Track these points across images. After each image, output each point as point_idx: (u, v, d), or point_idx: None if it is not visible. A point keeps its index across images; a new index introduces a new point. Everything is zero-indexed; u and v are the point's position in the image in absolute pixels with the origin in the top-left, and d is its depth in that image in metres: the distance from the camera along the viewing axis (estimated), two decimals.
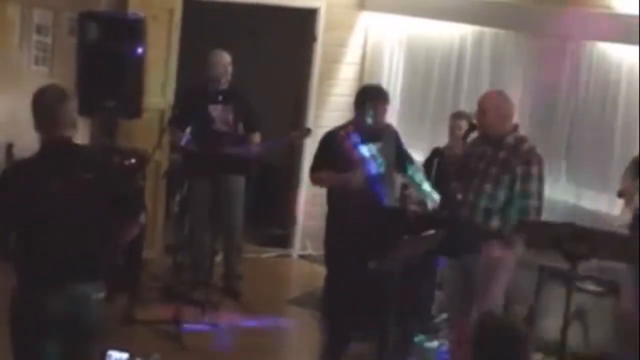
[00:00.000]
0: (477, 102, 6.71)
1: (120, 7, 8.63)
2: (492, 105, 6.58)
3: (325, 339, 7.13)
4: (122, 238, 5.20)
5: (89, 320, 4.99)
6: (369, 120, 6.96)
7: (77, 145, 5.09)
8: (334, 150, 7.03)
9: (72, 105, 5.00)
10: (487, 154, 6.60)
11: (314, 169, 7.31)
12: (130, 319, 7.55)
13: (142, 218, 5.19)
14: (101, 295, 5.03)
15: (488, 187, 6.56)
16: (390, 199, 7.22)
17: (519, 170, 6.47)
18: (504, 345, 3.88)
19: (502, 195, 6.53)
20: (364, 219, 6.85)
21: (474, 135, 6.85)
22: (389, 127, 7.35)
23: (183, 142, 7.99)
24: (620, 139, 7.66)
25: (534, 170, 6.49)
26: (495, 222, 6.52)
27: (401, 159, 7.33)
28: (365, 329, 7.12)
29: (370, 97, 7.09)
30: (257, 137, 8.17)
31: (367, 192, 6.95)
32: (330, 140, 7.15)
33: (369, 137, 7.04)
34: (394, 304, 6.75)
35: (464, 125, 7.83)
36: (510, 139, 6.57)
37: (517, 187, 6.47)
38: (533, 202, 6.47)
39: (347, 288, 6.91)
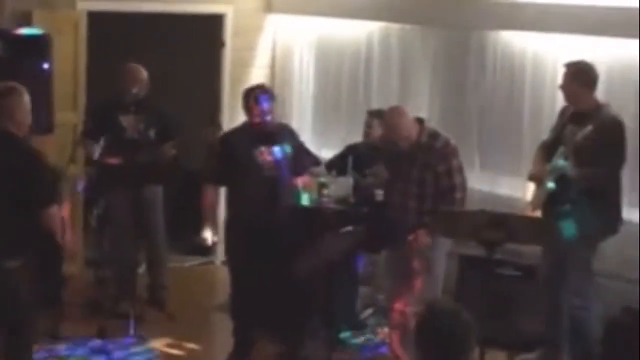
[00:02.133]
0: (384, 119, 6.98)
1: (24, 23, 8.53)
2: (396, 121, 6.80)
3: (234, 340, 7.17)
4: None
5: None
6: (258, 119, 6.96)
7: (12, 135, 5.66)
8: (233, 153, 7.03)
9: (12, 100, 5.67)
10: (404, 156, 6.76)
11: (211, 175, 7.27)
12: (55, 335, 7.48)
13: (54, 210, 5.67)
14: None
15: (414, 188, 6.77)
16: (288, 200, 7.18)
17: (441, 168, 6.71)
18: (449, 332, 3.91)
19: (429, 194, 6.75)
20: (264, 220, 6.88)
21: None
22: (285, 127, 7.35)
23: (96, 155, 7.93)
24: (529, 124, 7.82)
25: (454, 163, 6.75)
26: (427, 219, 6.70)
27: (298, 160, 7.25)
28: (274, 329, 7.15)
29: (254, 97, 7.08)
30: (170, 144, 8.12)
31: (266, 194, 6.96)
32: (228, 142, 7.15)
33: (264, 138, 7.05)
34: (317, 302, 6.83)
35: (376, 124, 7.97)
36: (423, 139, 6.77)
37: (443, 183, 6.71)
38: (459, 195, 6.73)
39: (251, 289, 6.94)
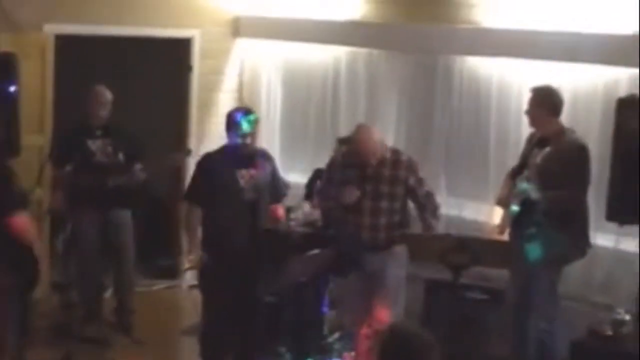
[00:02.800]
0: (352, 136, 7.04)
1: None
2: (365, 137, 6.90)
3: None
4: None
5: None
6: (239, 141, 6.97)
7: None
8: (213, 174, 7.03)
9: None
10: (370, 174, 6.82)
11: (189, 194, 7.26)
12: None
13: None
14: None
15: (384, 204, 6.87)
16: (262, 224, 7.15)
17: (411, 180, 6.89)
18: (411, 352, 3.94)
19: (398, 210, 6.87)
20: (241, 243, 6.89)
21: None
22: (264, 153, 7.35)
23: (65, 178, 7.93)
24: (495, 148, 7.88)
25: (420, 174, 6.97)
26: (397, 234, 6.86)
27: (276, 186, 7.25)
28: (241, 352, 7.12)
29: (234, 119, 7.07)
30: (138, 167, 8.10)
31: (244, 216, 6.96)
32: (209, 163, 7.15)
33: (244, 161, 7.07)
34: (284, 325, 6.83)
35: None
36: (388, 155, 6.87)
37: (419, 192, 6.90)
38: (437, 200, 7.02)
39: (223, 312, 6.93)
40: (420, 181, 6.97)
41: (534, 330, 6.79)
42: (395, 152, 7.05)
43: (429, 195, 7.00)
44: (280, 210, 7.31)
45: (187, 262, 7.34)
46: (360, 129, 7.05)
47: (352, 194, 6.91)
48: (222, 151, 7.13)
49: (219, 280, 6.90)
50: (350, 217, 6.99)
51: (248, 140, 6.94)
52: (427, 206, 6.98)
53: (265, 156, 7.23)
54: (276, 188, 7.22)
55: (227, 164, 6.96)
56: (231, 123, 6.96)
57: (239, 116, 6.95)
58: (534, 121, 6.87)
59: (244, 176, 6.95)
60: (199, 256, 6.98)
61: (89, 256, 8.22)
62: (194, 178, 7.18)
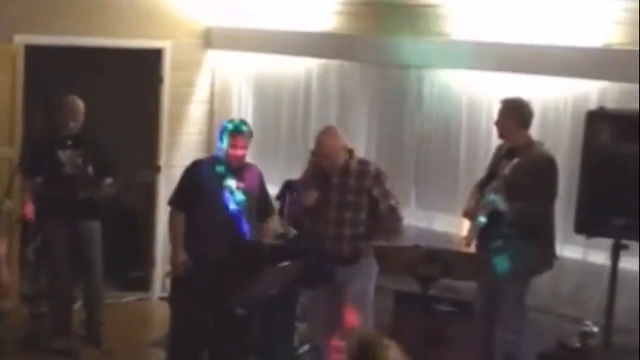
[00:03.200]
0: (316, 139, 6.99)
1: None
2: (326, 139, 6.89)
3: None
4: None
5: None
6: (223, 152, 6.97)
7: None
8: (200, 182, 7.01)
9: None
10: (336, 183, 6.80)
11: (175, 200, 7.25)
12: None
13: None
14: None
15: (348, 214, 6.83)
16: (252, 235, 7.16)
17: (376, 191, 6.81)
18: None
19: (362, 221, 6.83)
20: (220, 253, 6.87)
21: None
22: (251, 167, 7.31)
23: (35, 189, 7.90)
24: (465, 160, 7.89)
25: (388, 186, 6.89)
26: (363, 245, 6.82)
27: (262, 205, 7.25)
28: None
29: (228, 129, 7.09)
30: (108, 181, 8.07)
31: (227, 227, 6.95)
32: (196, 171, 7.13)
33: (233, 173, 7.03)
34: (254, 337, 6.79)
35: None
36: (354, 165, 6.85)
37: (382, 205, 6.80)
38: (401, 214, 6.90)
39: (192, 324, 6.90)
40: (385, 193, 6.87)
41: (501, 342, 6.81)
42: (363, 162, 7.00)
43: (392, 210, 6.87)
44: (268, 231, 7.28)
45: (170, 266, 7.27)
46: (324, 130, 7.02)
47: (311, 196, 6.86)
48: (212, 160, 7.12)
49: (194, 289, 6.86)
50: (316, 228, 6.98)
51: (239, 153, 6.94)
52: (387, 220, 6.87)
53: (256, 171, 7.23)
54: (265, 204, 7.21)
55: (215, 173, 6.95)
56: (223, 133, 6.96)
57: (231, 126, 6.96)
58: (502, 132, 6.90)
59: (232, 187, 6.94)
60: (182, 261, 6.95)
61: (58, 268, 8.18)
62: (181, 184, 7.16)
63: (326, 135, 6.94)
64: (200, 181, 6.99)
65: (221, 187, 6.93)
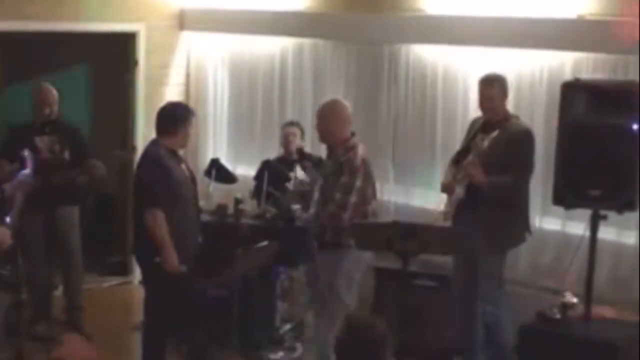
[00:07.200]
0: (317, 112, 6.88)
1: None
2: (322, 114, 6.77)
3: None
4: None
5: None
6: None
7: None
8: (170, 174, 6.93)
9: None
10: (326, 164, 6.75)
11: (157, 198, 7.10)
12: None
13: None
14: None
15: (329, 197, 6.65)
16: None
17: (342, 178, 6.58)
18: (366, 343, 4.02)
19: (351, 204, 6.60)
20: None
21: None
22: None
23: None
24: (442, 136, 7.89)
25: (350, 180, 6.57)
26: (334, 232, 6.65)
27: None
28: (190, 345, 7.05)
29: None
30: (97, 163, 8.01)
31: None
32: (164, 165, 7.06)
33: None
34: (234, 318, 6.78)
35: (297, 131, 8.07)
36: (348, 144, 6.67)
37: (368, 192, 6.62)
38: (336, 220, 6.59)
39: (169, 306, 6.84)
40: (341, 185, 6.54)
41: (480, 315, 6.82)
42: (363, 159, 6.67)
43: (331, 215, 6.57)
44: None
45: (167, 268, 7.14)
46: (323, 104, 6.90)
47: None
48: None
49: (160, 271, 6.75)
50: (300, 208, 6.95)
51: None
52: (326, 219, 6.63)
53: None
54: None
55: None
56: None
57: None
58: (488, 107, 6.83)
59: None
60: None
61: (36, 255, 8.15)
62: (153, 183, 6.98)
63: (322, 109, 6.83)
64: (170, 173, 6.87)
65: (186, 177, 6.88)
